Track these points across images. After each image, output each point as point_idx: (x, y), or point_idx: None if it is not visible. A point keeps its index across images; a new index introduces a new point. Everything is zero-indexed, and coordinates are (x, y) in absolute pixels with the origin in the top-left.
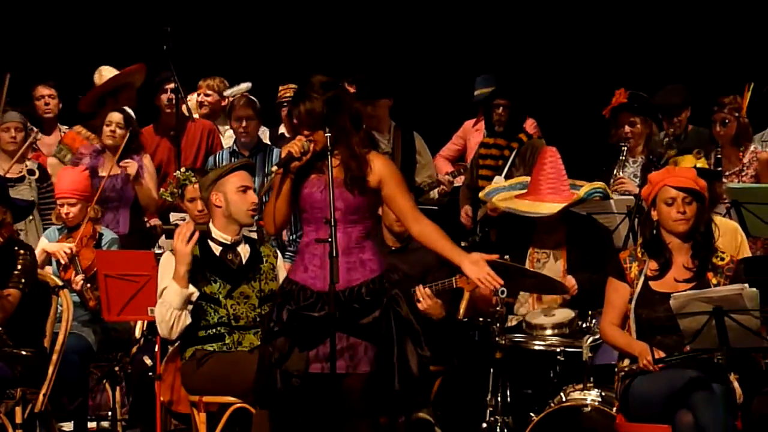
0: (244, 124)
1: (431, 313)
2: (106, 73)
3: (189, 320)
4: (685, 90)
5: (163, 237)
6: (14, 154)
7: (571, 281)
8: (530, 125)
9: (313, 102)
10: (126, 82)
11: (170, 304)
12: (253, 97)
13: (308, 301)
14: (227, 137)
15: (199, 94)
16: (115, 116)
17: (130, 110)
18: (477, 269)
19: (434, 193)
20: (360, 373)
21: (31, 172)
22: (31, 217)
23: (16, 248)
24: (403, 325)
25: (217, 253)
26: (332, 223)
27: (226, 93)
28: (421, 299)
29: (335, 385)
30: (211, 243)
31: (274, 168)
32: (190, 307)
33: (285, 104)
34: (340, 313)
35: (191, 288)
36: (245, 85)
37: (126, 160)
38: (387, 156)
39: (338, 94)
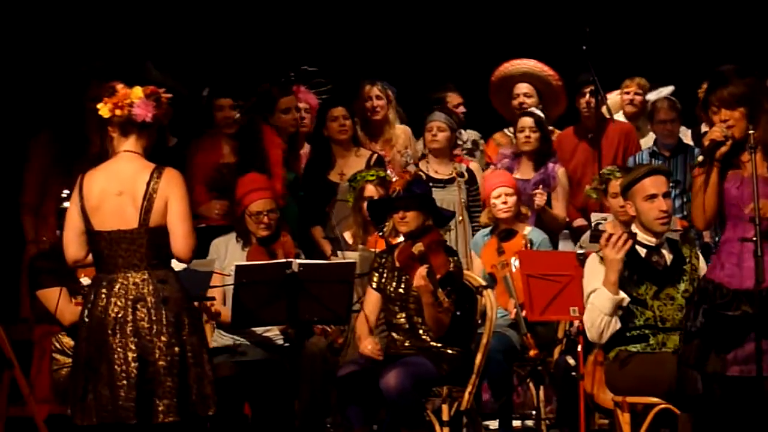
0: (669, 127)
1: None
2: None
3: (619, 325)
4: None
5: (584, 236)
6: (439, 153)
7: None
8: None
9: (734, 85)
10: (546, 84)
11: (601, 309)
12: (674, 99)
13: (723, 300)
14: (648, 138)
15: (627, 93)
16: (527, 121)
17: (539, 112)
18: None
19: None
20: None
21: (461, 174)
22: (460, 218)
23: None
24: None
25: (643, 255)
26: (757, 222)
27: (649, 97)
28: None
29: (759, 388)
30: (636, 245)
31: (699, 158)
32: (620, 312)
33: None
34: (761, 313)
35: (622, 294)
36: (668, 89)
37: (537, 191)
38: None
39: (756, 79)
